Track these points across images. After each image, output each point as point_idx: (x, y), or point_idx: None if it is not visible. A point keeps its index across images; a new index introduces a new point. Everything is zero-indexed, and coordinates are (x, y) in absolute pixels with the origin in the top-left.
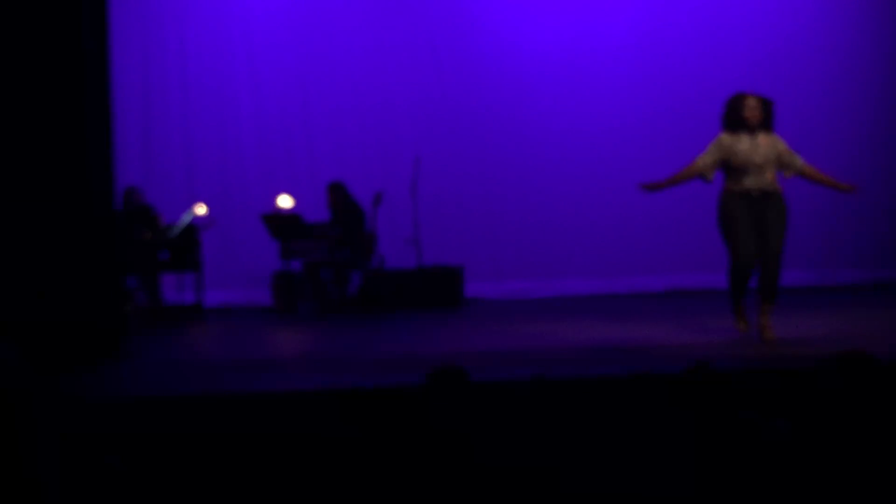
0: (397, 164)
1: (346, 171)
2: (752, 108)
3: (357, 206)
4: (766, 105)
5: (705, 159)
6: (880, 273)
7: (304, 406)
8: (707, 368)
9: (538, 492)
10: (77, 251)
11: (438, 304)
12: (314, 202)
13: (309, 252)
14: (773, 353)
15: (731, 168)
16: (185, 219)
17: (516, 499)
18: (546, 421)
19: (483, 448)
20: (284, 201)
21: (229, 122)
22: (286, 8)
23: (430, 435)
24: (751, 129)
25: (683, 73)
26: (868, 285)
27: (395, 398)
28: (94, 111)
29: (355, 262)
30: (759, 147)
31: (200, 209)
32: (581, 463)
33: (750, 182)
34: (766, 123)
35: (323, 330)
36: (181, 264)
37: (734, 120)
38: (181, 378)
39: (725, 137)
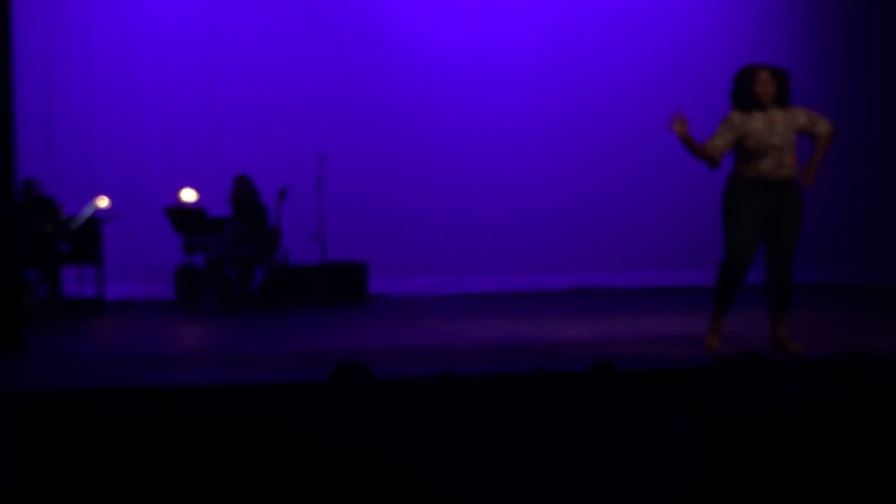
0: (302, 160)
1: (251, 165)
2: (763, 82)
3: (260, 201)
4: (781, 78)
5: (715, 142)
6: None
7: (205, 401)
8: (610, 367)
9: (438, 488)
10: None
11: (342, 300)
12: (218, 196)
13: (212, 246)
14: (675, 353)
15: (744, 151)
16: (87, 211)
17: (418, 495)
18: (449, 418)
19: (385, 444)
20: (188, 195)
21: (133, 114)
22: (191, 1)
23: (334, 432)
24: (763, 106)
25: (589, 71)
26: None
27: (298, 394)
28: None
29: (259, 257)
30: (774, 126)
31: (102, 202)
32: (483, 460)
33: (767, 167)
34: (781, 98)
35: (225, 325)
36: (82, 257)
37: (744, 96)
38: (80, 372)
39: (736, 115)
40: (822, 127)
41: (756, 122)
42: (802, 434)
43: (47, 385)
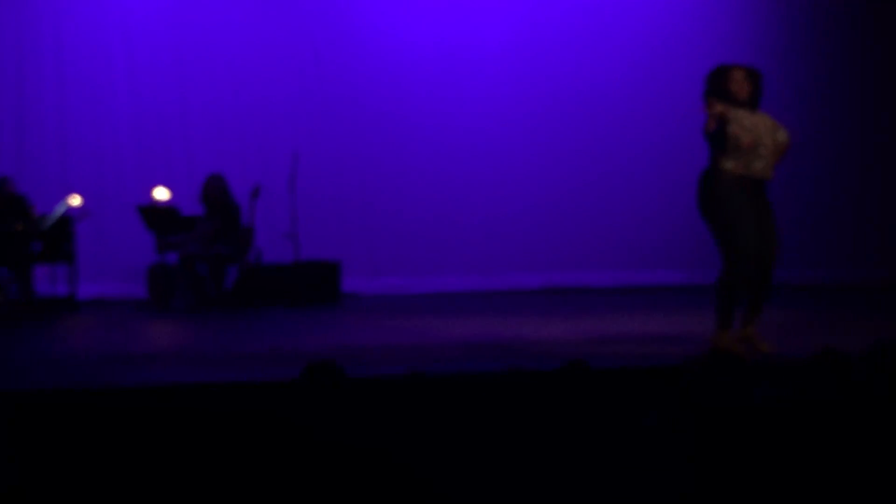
0: (275, 159)
1: (224, 164)
2: (738, 80)
3: (233, 200)
4: (755, 77)
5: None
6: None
7: (177, 400)
8: (583, 366)
9: (411, 486)
10: None
11: (315, 299)
12: (191, 195)
13: (185, 245)
14: (648, 351)
15: (737, 147)
16: (59, 210)
17: (391, 493)
18: (423, 416)
19: (358, 443)
20: (161, 193)
21: (105, 113)
22: (164, 0)
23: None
24: (739, 105)
25: (563, 72)
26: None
27: (271, 393)
28: None
29: (232, 256)
30: (760, 126)
31: (74, 200)
32: (456, 458)
33: (759, 166)
34: (755, 100)
35: (198, 324)
36: (54, 256)
37: (719, 95)
38: (52, 371)
39: (720, 105)
40: (782, 135)
41: (745, 119)
42: (779, 433)
43: (19, 385)
